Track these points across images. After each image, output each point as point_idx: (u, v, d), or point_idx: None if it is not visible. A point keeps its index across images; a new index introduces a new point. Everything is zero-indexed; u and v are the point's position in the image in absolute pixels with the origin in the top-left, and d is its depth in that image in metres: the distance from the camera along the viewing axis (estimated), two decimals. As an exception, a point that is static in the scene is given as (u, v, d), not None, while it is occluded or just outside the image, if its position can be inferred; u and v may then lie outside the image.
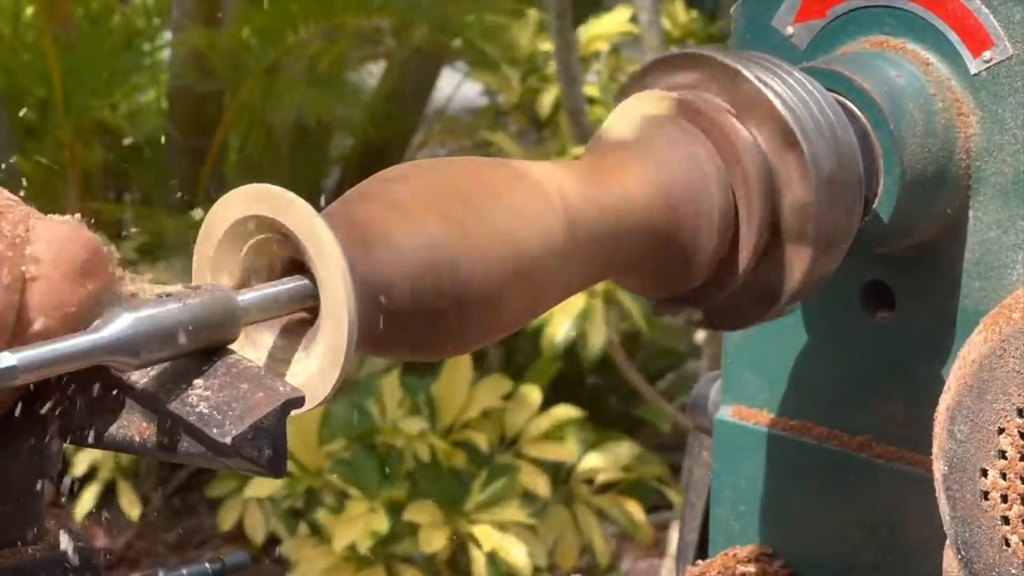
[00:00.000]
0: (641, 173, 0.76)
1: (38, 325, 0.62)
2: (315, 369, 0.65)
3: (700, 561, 0.94)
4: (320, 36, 3.13)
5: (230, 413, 0.62)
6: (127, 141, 3.27)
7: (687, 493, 1.02)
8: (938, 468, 0.74)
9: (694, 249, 0.77)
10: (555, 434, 2.86)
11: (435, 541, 2.63)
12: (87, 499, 2.89)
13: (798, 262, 0.78)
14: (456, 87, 3.96)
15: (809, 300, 0.88)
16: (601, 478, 2.91)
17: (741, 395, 0.94)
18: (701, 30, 3.77)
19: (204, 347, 0.63)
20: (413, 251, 0.68)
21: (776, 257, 0.78)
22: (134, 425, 0.66)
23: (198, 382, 0.63)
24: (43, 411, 0.67)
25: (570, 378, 3.21)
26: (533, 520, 2.72)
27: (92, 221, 0.65)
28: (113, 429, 0.66)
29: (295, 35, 3.03)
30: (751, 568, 0.91)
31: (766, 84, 0.77)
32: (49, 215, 0.65)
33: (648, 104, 0.79)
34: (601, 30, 3.60)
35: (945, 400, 0.74)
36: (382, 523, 2.63)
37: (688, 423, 1.04)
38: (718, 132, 0.77)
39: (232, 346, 0.65)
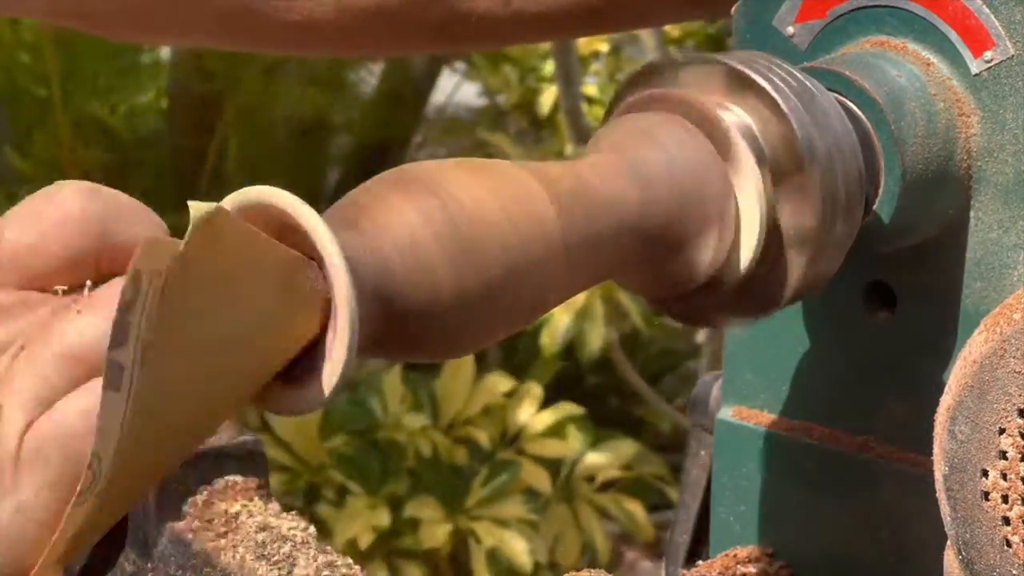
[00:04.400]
0: (641, 172, 0.76)
1: None
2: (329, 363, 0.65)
3: (700, 562, 0.94)
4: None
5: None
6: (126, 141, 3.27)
7: (682, 494, 1.02)
8: (939, 468, 0.74)
9: (691, 245, 0.77)
10: (556, 431, 2.87)
11: (436, 537, 2.63)
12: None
13: (798, 260, 0.77)
14: (455, 87, 3.96)
15: (809, 300, 0.89)
16: (602, 476, 2.91)
17: (741, 395, 0.94)
18: (701, 30, 3.77)
19: None
20: (407, 247, 0.68)
21: (776, 256, 0.78)
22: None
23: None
24: None
25: (569, 377, 3.21)
26: (534, 516, 2.72)
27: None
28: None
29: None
30: (751, 568, 0.91)
31: (769, 84, 0.77)
32: None
33: (639, 105, 0.79)
34: (600, 30, 3.59)
35: (945, 400, 0.74)
36: (383, 518, 2.63)
37: (687, 423, 1.04)
38: (719, 132, 0.77)
39: None
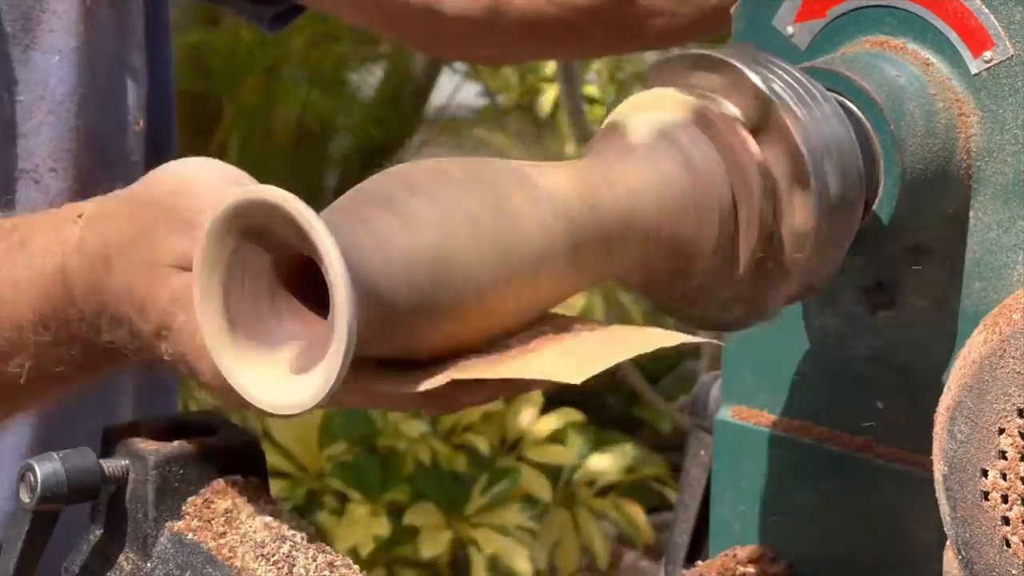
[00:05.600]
0: (643, 176, 0.76)
1: None
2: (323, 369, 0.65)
3: (699, 562, 0.94)
4: (320, 38, 3.14)
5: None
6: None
7: (682, 494, 1.02)
8: (938, 468, 0.74)
9: (694, 253, 0.77)
10: (556, 437, 2.86)
11: (436, 544, 2.63)
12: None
13: (798, 263, 0.78)
14: (456, 87, 3.96)
15: (809, 300, 0.89)
16: (602, 481, 2.91)
17: (741, 395, 0.94)
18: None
19: None
20: (404, 247, 0.68)
21: (776, 259, 0.78)
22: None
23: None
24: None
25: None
26: (534, 524, 2.72)
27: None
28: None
29: (295, 38, 3.04)
30: (751, 568, 0.91)
31: (767, 85, 0.77)
32: None
33: (650, 104, 0.79)
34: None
35: (945, 400, 0.74)
36: (383, 526, 2.63)
37: (687, 423, 1.04)
38: (721, 136, 0.77)
39: None
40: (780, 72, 0.77)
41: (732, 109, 0.77)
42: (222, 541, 0.77)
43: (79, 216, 0.84)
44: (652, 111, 0.78)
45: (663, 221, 0.76)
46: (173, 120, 1.30)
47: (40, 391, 0.88)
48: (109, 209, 0.83)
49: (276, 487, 2.64)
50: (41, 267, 0.84)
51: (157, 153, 1.20)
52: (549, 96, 3.44)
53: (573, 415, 2.86)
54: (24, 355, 0.84)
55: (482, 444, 2.77)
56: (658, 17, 1.24)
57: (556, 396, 2.98)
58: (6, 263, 0.85)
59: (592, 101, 3.36)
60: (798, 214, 0.76)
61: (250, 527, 0.77)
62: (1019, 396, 0.71)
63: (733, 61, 0.77)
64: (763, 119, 0.76)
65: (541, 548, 2.74)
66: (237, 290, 0.68)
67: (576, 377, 0.68)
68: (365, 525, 2.63)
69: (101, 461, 0.78)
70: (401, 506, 2.67)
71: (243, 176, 0.80)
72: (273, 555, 0.75)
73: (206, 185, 0.79)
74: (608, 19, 1.25)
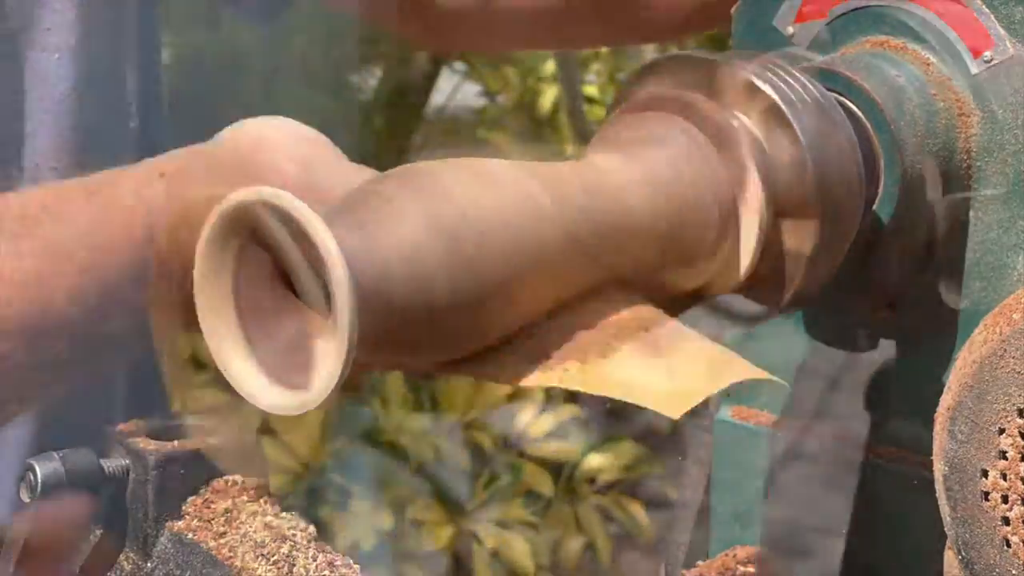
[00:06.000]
0: (639, 173, 0.76)
1: None
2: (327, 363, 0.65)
3: (700, 562, 0.94)
4: (320, 38, 3.13)
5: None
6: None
7: (682, 494, 1.02)
8: (938, 468, 0.74)
9: (694, 247, 0.77)
10: (558, 433, 2.87)
11: (439, 539, 2.63)
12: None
13: (799, 259, 0.78)
14: (456, 87, 3.96)
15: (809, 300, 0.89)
16: (603, 477, 2.91)
17: (741, 395, 0.94)
18: (702, 31, 3.76)
19: None
20: (404, 244, 0.68)
21: (777, 255, 0.78)
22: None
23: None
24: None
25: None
26: (536, 518, 2.72)
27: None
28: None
29: (295, 38, 3.04)
30: (751, 568, 0.91)
31: (765, 82, 0.77)
32: None
33: (645, 104, 0.79)
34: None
35: (945, 400, 0.74)
36: (386, 521, 2.63)
37: (687, 423, 1.04)
38: (716, 129, 0.77)
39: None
40: (779, 71, 0.77)
41: (740, 117, 0.77)
42: (222, 541, 0.77)
43: (161, 175, 0.85)
44: (659, 112, 0.78)
45: (659, 214, 0.76)
46: (164, 116, 1.30)
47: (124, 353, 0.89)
48: (189, 168, 0.86)
49: (278, 482, 2.64)
50: (129, 228, 0.85)
51: (151, 151, 1.20)
52: (549, 96, 3.44)
53: (573, 411, 2.87)
54: (117, 318, 0.84)
55: (484, 439, 2.78)
56: (655, 10, 1.24)
57: (555, 392, 2.98)
58: (89, 223, 0.85)
59: (592, 101, 3.36)
60: (785, 152, 0.76)
61: (250, 527, 0.77)
62: (1019, 396, 0.71)
63: (693, 55, 0.78)
64: (745, 99, 0.77)
65: (543, 543, 2.74)
66: (239, 289, 0.68)
67: (676, 411, 0.70)
68: (367, 520, 2.63)
69: (101, 461, 0.78)
70: (403, 501, 2.68)
71: (319, 136, 0.83)
72: (273, 555, 0.75)
73: (282, 144, 0.83)
74: (604, 11, 1.25)
